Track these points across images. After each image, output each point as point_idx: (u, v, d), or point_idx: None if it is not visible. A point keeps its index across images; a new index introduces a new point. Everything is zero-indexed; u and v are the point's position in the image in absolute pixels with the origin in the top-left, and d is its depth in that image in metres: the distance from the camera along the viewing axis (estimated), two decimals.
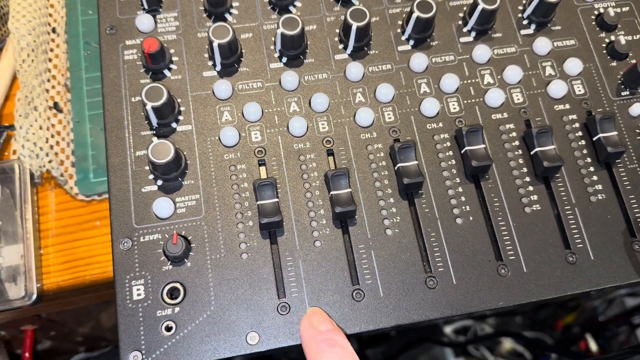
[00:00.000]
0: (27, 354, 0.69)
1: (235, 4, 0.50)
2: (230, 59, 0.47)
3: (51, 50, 0.63)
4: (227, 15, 0.49)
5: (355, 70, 0.48)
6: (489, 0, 0.48)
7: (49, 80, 0.61)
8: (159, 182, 0.44)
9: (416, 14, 0.47)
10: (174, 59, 0.48)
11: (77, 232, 0.57)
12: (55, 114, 0.60)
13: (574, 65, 0.50)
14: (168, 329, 0.41)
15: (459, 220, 0.44)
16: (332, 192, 0.44)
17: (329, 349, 0.37)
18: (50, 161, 0.57)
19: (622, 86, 0.50)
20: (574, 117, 0.48)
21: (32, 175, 0.57)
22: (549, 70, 0.50)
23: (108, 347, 0.87)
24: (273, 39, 0.49)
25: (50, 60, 0.63)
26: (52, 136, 0.59)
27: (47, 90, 0.61)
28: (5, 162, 0.56)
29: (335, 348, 0.37)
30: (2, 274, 0.53)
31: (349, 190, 0.44)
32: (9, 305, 0.52)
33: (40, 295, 0.53)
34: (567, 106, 0.49)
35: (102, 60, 0.47)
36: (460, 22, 0.51)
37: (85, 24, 0.65)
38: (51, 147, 0.58)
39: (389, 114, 0.47)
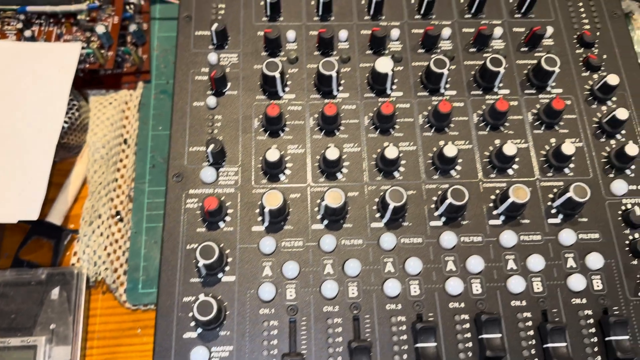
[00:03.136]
0: None
1: (289, 165, 0.56)
2: (278, 218, 0.53)
3: (120, 160, 0.70)
4: (280, 176, 0.55)
5: (388, 239, 0.53)
6: (519, 193, 0.52)
7: (114, 190, 0.68)
8: (199, 330, 0.49)
9: (449, 200, 0.52)
10: (229, 211, 0.53)
11: (120, 337, 0.62)
12: (116, 223, 0.67)
13: (595, 260, 0.53)
14: None
15: None
16: None
17: None
18: (106, 269, 0.63)
19: None
20: (589, 312, 0.51)
21: (87, 280, 0.63)
22: (571, 262, 0.53)
23: None
24: (318, 201, 0.54)
25: (118, 170, 0.70)
26: (111, 244, 0.65)
27: (112, 199, 0.68)
28: (67, 268, 0.62)
29: None
30: None
31: None
32: None
33: None
34: (584, 301, 0.52)
35: (166, 206, 0.53)
36: (491, 205, 0.55)
37: (154, 138, 0.72)
38: (108, 254, 0.64)
39: (415, 288, 0.51)
